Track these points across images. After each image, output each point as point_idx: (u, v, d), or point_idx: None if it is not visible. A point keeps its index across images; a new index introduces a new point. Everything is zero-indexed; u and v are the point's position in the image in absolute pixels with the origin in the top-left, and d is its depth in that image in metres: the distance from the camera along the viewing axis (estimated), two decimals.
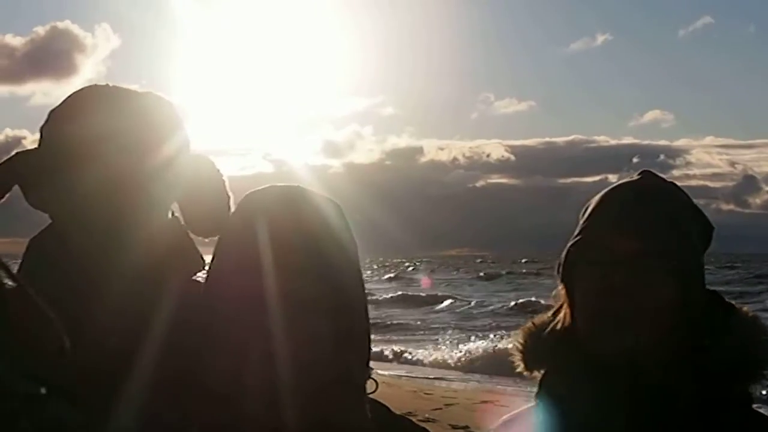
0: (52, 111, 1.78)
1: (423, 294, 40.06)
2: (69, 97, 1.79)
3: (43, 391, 1.28)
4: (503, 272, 66.69)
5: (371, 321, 1.61)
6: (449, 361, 19.03)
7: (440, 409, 11.32)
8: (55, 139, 1.72)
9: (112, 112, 1.72)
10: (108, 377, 1.60)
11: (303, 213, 1.53)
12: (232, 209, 1.82)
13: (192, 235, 1.84)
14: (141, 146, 1.70)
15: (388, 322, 26.53)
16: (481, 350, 19.24)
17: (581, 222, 1.70)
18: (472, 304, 35.70)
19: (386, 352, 19.71)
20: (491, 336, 21.42)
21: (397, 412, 1.68)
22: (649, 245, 1.61)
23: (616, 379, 1.60)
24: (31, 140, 1.81)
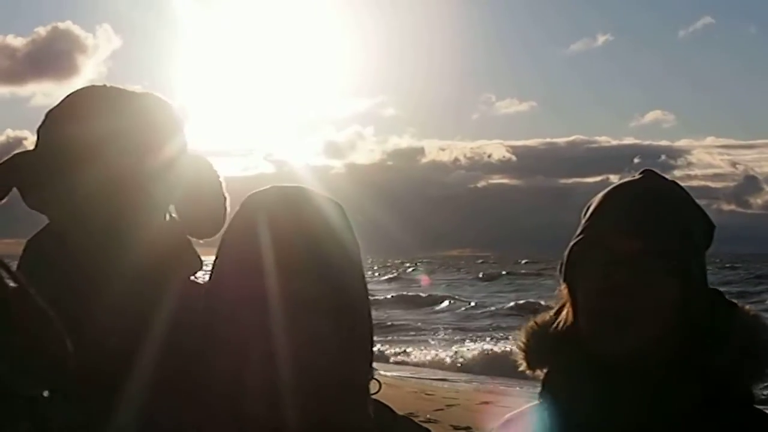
0: (50, 112, 1.77)
1: (423, 294, 40.06)
2: (67, 98, 1.78)
3: (44, 392, 1.28)
4: (503, 272, 66.69)
5: None
6: (447, 362, 19.04)
7: (442, 409, 11.33)
8: (55, 140, 1.71)
9: (113, 113, 1.71)
10: (108, 378, 1.60)
11: (304, 213, 1.53)
12: (229, 210, 1.82)
13: (189, 236, 1.84)
14: (142, 147, 1.70)
15: (388, 323, 26.53)
16: (479, 351, 19.26)
17: (583, 221, 1.70)
18: (472, 304, 35.71)
19: (386, 353, 19.71)
20: (488, 338, 21.45)
21: (399, 413, 1.68)
22: (650, 244, 1.61)
23: (618, 378, 1.60)
24: (32, 141, 1.80)
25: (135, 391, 1.61)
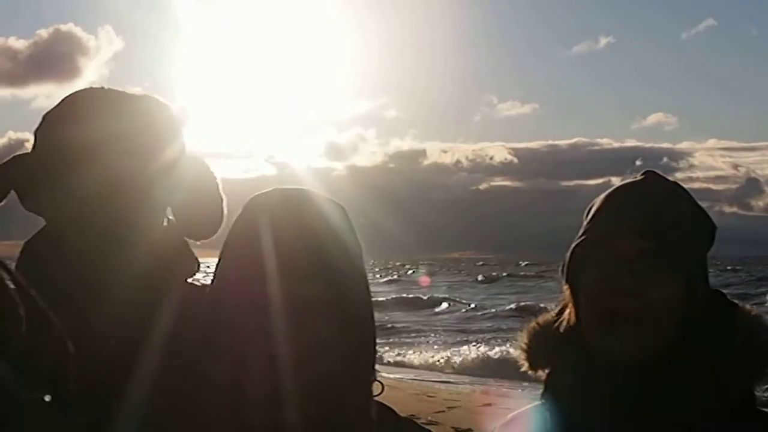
0: (47, 114, 1.75)
1: (423, 297, 40.02)
2: (64, 100, 1.76)
3: (46, 395, 1.28)
4: (504, 274, 66.68)
5: None
6: (447, 364, 19.03)
7: (443, 411, 11.32)
8: (54, 141, 1.70)
9: (113, 115, 1.70)
10: (108, 382, 1.59)
11: (307, 216, 1.53)
12: (227, 211, 1.82)
13: (186, 238, 1.83)
14: (144, 149, 1.70)
15: (389, 326, 26.50)
16: (478, 353, 19.26)
17: (585, 222, 1.71)
18: (472, 306, 35.70)
19: (386, 355, 19.69)
20: (488, 340, 21.44)
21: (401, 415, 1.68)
22: (652, 245, 1.61)
23: (620, 378, 1.60)
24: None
25: (135, 396, 1.60)
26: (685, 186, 1.76)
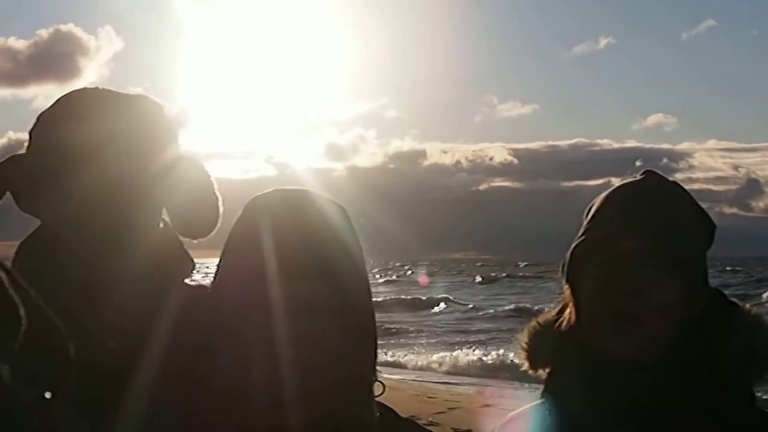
0: (43, 114, 1.73)
1: (422, 297, 39.99)
2: (60, 100, 1.74)
3: (46, 395, 1.28)
4: (503, 275, 66.67)
5: None
6: (446, 365, 19.02)
7: (443, 412, 11.31)
8: (52, 141, 1.68)
9: (112, 115, 1.69)
10: (108, 383, 1.58)
11: (307, 216, 1.53)
12: (222, 210, 1.81)
13: (182, 237, 1.83)
14: (143, 150, 1.69)
15: (386, 326, 26.48)
16: (477, 354, 19.27)
17: (585, 222, 1.71)
18: (470, 306, 35.69)
19: (385, 356, 19.68)
20: (487, 341, 21.44)
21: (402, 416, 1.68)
22: (652, 244, 1.61)
23: (621, 377, 1.60)
24: None
25: (134, 401, 1.60)
26: (685, 187, 1.76)
